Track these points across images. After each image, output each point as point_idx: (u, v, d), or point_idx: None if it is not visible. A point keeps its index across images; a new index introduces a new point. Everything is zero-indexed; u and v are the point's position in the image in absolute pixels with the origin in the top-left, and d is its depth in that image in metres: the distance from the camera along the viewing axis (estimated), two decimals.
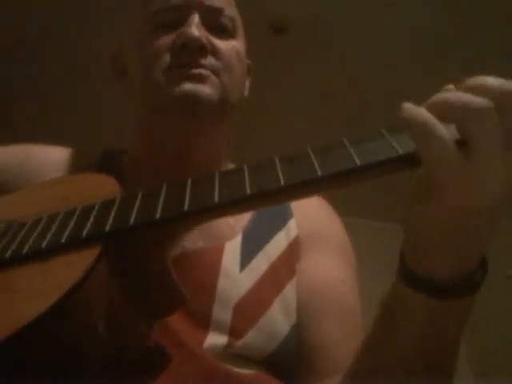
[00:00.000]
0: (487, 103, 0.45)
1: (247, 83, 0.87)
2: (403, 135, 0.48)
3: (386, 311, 0.57)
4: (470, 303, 0.53)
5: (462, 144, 0.46)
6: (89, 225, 0.53)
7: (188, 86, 0.73)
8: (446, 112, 0.46)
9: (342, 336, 0.72)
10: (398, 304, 0.55)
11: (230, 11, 0.81)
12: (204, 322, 0.67)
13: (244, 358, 0.67)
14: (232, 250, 0.75)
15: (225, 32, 0.80)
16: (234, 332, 0.68)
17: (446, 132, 0.45)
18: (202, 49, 0.75)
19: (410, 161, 0.48)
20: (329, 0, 2.17)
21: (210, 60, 0.76)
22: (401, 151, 0.47)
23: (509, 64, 1.95)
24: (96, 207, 0.56)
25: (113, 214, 0.54)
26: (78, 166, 0.82)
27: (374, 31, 2.23)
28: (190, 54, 0.75)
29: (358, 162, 0.47)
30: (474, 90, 0.47)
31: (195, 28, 0.76)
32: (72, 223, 0.55)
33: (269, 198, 0.51)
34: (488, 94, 0.46)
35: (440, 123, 0.46)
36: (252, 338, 0.68)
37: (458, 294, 0.51)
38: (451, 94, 0.47)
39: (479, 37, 2.17)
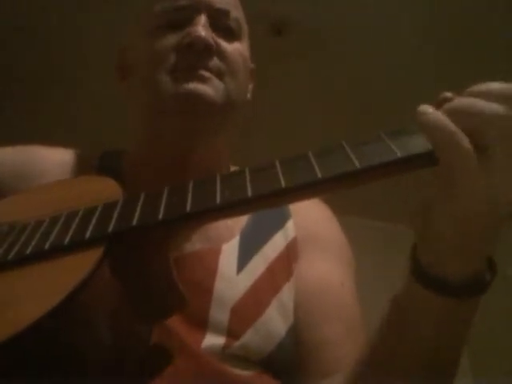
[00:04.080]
0: (504, 109, 0.46)
1: (250, 87, 0.87)
2: (402, 138, 0.49)
3: (398, 309, 0.58)
4: (477, 303, 0.54)
5: (477, 148, 0.47)
6: (91, 226, 0.54)
7: (191, 86, 0.73)
8: (463, 119, 0.47)
9: (342, 336, 0.72)
10: (409, 302, 0.55)
11: (237, 14, 0.82)
12: (201, 324, 0.68)
13: (242, 359, 0.68)
14: (229, 252, 0.75)
15: (231, 34, 0.80)
16: (232, 333, 0.68)
17: (467, 140, 0.46)
18: (208, 49, 0.75)
19: (409, 163, 0.48)
20: (329, 0, 2.17)
21: (215, 62, 0.76)
22: (399, 154, 0.48)
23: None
24: (98, 209, 0.56)
25: (115, 215, 0.54)
26: (78, 167, 0.82)
27: (374, 31, 2.23)
28: (195, 54, 0.75)
29: (358, 165, 0.48)
30: (481, 96, 0.48)
31: (202, 28, 0.75)
32: (75, 225, 0.55)
33: (270, 201, 0.51)
34: (499, 99, 0.47)
35: (461, 131, 0.47)
36: (249, 338, 0.69)
37: (468, 293, 0.52)
38: (466, 100, 0.48)
39: (480, 36, 2.17)
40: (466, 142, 0.46)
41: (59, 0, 2.15)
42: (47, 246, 0.53)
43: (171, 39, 0.76)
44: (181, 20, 0.77)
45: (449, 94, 0.51)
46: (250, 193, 0.50)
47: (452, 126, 0.47)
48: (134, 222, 0.52)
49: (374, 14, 2.19)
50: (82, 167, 0.82)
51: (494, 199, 0.47)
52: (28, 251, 0.54)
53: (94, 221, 0.55)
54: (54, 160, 0.83)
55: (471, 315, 0.55)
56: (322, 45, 2.30)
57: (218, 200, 0.51)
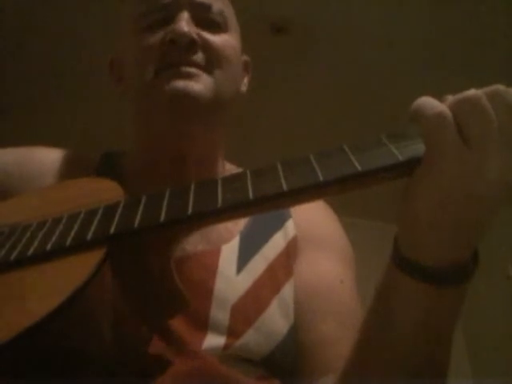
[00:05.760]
0: (488, 105, 0.47)
1: (245, 80, 0.87)
2: (403, 141, 0.49)
3: (381, 297, 0.58)
4: (461, 294, 0.54)
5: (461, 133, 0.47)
6: (93, 228, 0.54)
7: (179, 84, 0.73)
8: (456, 105, 0.48)
9: (341, 335, 0.72)
10: (391, 289, 0.55)
11: (220, 6, 0.81)
12: (202, 324, 0.68)
13: (242, 361, 0.68)
14: (229, 253, 0.75)
15: (216, 27, 0.79)
16: (232, 333, 0.68)
17: (453, 124, 0.47)
18: (192, 44, 0.75)
19: (410, 167, 0.48)
20: (329, 0, 2.17)
21: (200, 56, 0.75)
22: (401, 158, 0.48)
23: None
24: (100, 210, 0.56)
25: (117, 217, 0.54)
26: (77, 168, 0.82)
27: (374, 32, 2.24)
28: (179, 51, 0.74)
29: (359, 168, 0.48)
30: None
31: (184, 23, 0.75)
32: (76, 226, 0.55)
33: (271, 203, 0.51)
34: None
35: (449, 112, 0.48)
36: (250, 338, 0.69)
37: (447, 281, 0.52)
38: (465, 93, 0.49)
39: (480, 37, 2.18)
40: (452, 122, 0.47)
41: (59, 0, 2.15)
42: (49, 247, 0.54)
43: (155, 38, 0.76)
44: (164, 18, 0.78)
45: (450, 97, 0.51)
46: (251, 195, 0.50)
47: (443, 107, 0.48)
48: (136, 224, 0.52)
49: (373, 14, 2.19)
50: (83, 168, 0.82)
51: (478, 181, 0.47)
52: (30, 252, 0.54)
53: (95, 222, 0.55)
54: (54, 161, 0.83)
55: (456, 306, 0.55)
56: (322, 44, 2.30)
57: (220, 203, 0.51)
